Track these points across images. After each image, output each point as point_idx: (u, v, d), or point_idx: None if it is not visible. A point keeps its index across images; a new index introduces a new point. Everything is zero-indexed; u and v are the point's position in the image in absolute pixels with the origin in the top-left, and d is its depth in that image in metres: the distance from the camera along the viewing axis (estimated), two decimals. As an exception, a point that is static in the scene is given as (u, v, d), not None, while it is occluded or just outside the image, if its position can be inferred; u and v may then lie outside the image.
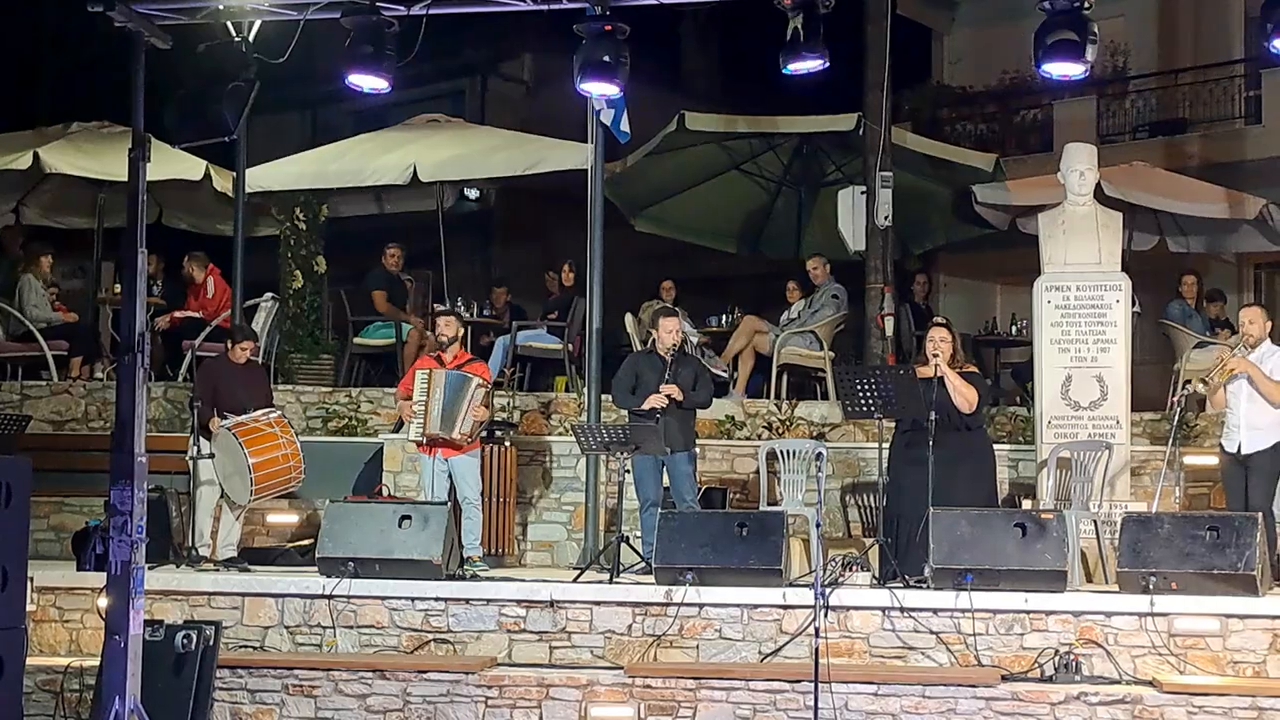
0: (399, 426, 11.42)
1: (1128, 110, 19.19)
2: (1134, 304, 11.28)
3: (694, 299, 15.61)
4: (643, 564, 9.84)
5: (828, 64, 8.16)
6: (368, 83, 8.38)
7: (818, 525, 9.17)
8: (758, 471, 11.14)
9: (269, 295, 14.15)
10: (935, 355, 9.63)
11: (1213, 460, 10.46)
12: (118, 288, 13.44)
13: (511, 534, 11.21)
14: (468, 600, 9.14)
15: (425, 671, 8.66)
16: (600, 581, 9.37)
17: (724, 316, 14.98)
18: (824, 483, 10.94)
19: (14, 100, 19.78)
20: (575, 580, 9.45)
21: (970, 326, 15.79)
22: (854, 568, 9.15)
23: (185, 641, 8.17)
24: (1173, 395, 11.24)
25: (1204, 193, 14.47)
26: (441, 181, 14.67)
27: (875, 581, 9.10)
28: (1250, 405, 9.56)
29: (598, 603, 9.01)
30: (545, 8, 8.25)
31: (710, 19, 23.05)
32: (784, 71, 8.25)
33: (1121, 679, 8.32)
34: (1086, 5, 7.73)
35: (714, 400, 11.14)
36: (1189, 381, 10.52)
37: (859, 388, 9.57)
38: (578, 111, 11.76)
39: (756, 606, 8.82)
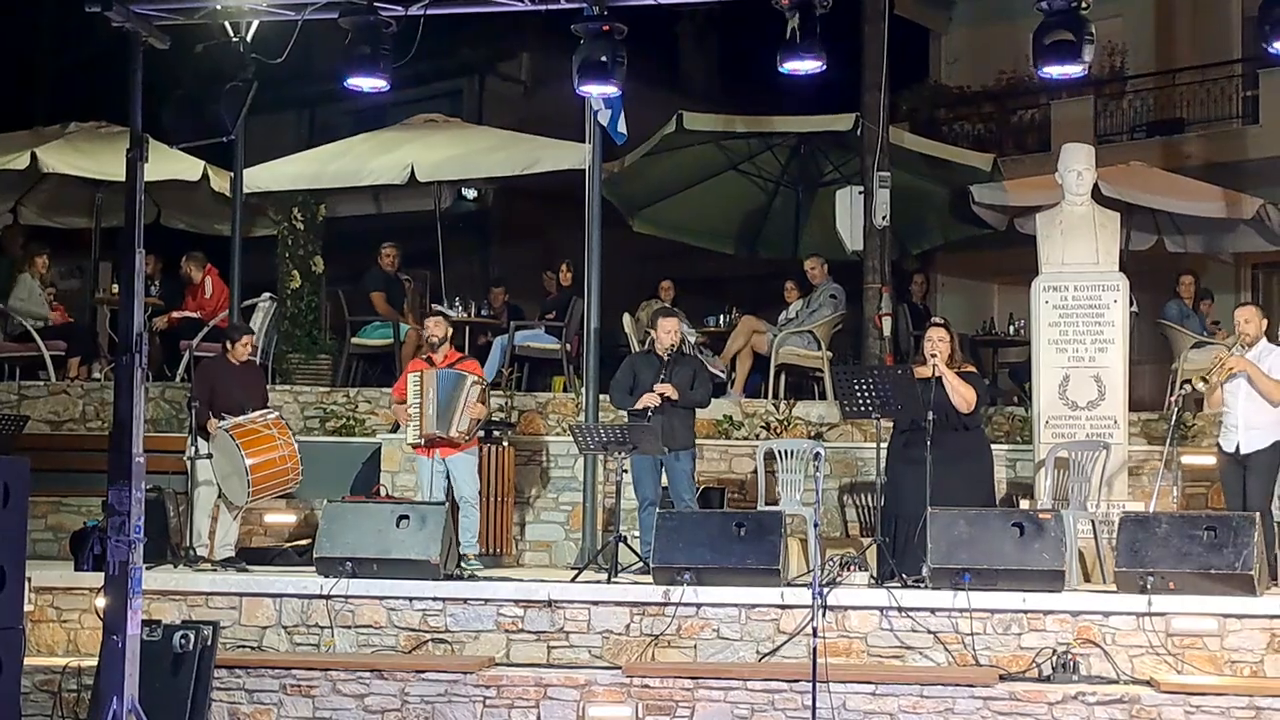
0: (396, 427, 11.42)
1: (1125, 110, 19.20)
2: (1131, 304, 11.28)
3: (692, 299, 15.62)
4: (641, 564, 9.84)
5: (825, 64, 8.17)
6: (365, 82, 8.39)
7: (815, 525, 9.12)
8: (756, 471, 11.14)
9: (267, 295, 14.15)
10: (933, 355, 9.63)
11: (1210, 460, 10.47)
12: (115, 288, 13.45)
13: (509, 534, 11.21)
14: (465, 600, 9.14)
15: (423, 671, 8.66)
16: (598, 581, 9.37)
17: (722, 316, 14.98)
18: (822, 483, 10.86)
19: (12, 100, 19.78)
20: (573, 580, 9.46)
21: (968, 326, 15.79)
22: (852, 567, 9.15)
23: (183, 641, 8.17)
24: (1170, 395, 11.25)
25: (1201, 192, 14.48)
26: (439, 181, 14.66)
27: (873, 581, 9.11)
28: (1248, 404, 9.55)
29: (595, 602, 9.01)
30: (543, 8, 8.26)
31: (708, 19, 23.08)
32: (782, 71, 8.27)
33: (1119, 679, 8.31)
34: (1084, 5, 7.74)
35: (712, 400, 11.14)
36: (1187, 381, 10.53)
37: (857, 388, 9.57)
38: (575, 111, 11.77)
39: (754, 606, 8.82)
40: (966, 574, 8.65)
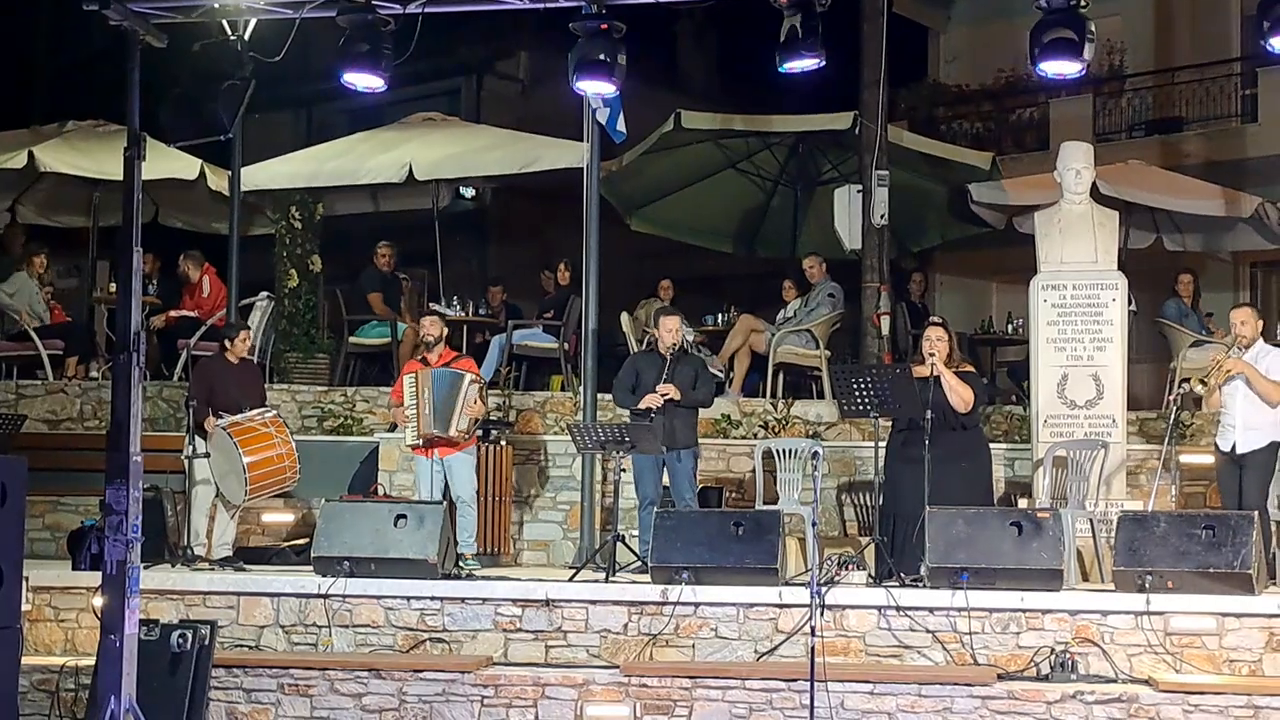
0: (394, 426, 11.41)
1: (1124, 109, 19.19)
2: (1130, 303, 11.28)
3: (690, 298, 15.61)
4: (639, 563, 9.83)
5: (824, 62, 8.16)
6: (363, 81, 8.38)
7: (814, 524, 9.12)
8: (754, 470, 11.14)
9: (264, 294, 14.15)
10: (931, 354, 9.62)
11: (1208, 459, 10.46)
12: (113, 287, 13.44)
13: (507, 533, 11.20)
14: (463, 600, 9.13)
15: (421, 671, 8.65)
16: (596, 581, 9.36)
17: (720, 315, 14.97)
18: (820, 482, 10.82)
19: (9, 99, 19.75)
20: (571, 579, 9.45)
21: (966, 325, 15.80)
22: (850, 567, 9.13)
23: (180, 641, 8.17)
24: (1169, 394, 11.24)
25: (1200, 191, 14.49)
26: (437, 180, 14.66)
27: (871, 580, 9.10)
28: (1246, 404, 9.54)
29: (594, 602, 9.00)
30: (541, 6, 8.25)
31: (707, 18, 23.05)
32: (780, 70, 8.26)
33: (1118, 678, 8.31)
34: (1083, 3, 7.73)
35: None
36: (1186, 380, 10.52)
37: (855, 387, 9.56)
38: (574, 110, 11.76)
39: (752, 605, 8.81)
40: (965, 573, 8.64)
